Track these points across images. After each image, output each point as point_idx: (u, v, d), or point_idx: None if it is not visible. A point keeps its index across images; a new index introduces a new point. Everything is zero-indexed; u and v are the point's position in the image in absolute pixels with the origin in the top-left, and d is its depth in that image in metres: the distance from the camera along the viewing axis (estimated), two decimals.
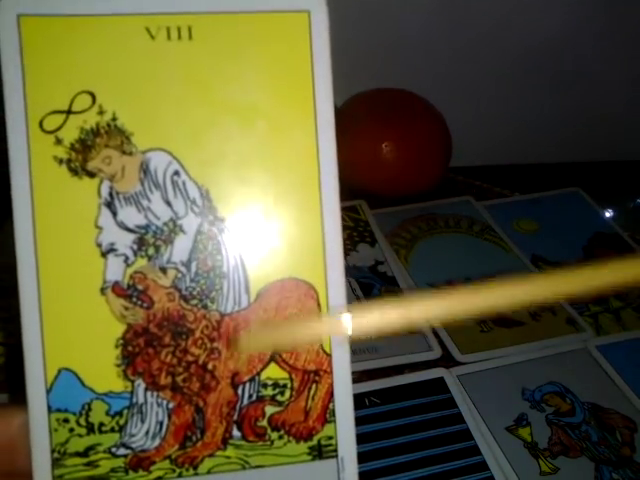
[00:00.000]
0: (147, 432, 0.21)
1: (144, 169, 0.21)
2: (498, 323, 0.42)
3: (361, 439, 0.33)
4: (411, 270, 0.46)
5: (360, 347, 0.39)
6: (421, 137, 0.52)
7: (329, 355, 0.22)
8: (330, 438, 0.22)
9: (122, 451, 0.21)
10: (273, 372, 0.22)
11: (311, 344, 0.21)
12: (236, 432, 0.21)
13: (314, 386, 0.22)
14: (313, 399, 0.22)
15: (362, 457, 0.32)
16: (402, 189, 0.54)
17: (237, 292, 0.21)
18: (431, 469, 0.32)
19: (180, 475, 0.21)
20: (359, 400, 0.35)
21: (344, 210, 0.51)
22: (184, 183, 0.21)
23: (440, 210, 0.53)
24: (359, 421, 0.34)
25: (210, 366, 0.21)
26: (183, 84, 0.21)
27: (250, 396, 0.22)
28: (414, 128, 0.52)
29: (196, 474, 0.21)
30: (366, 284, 0.44)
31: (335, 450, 0.22)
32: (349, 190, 0.55)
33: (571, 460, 0.33)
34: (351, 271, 0.46)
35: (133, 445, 0.21)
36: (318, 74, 0.21)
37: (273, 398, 0.22)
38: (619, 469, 0.33)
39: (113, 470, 0.21)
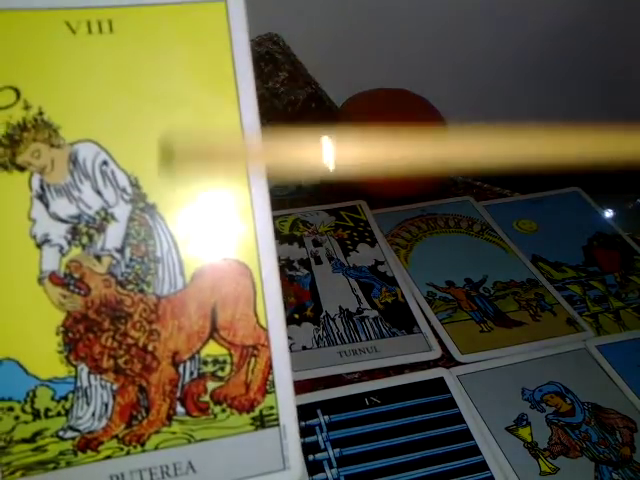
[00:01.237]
0: (93, 414, 0.22)
1: (73, 160, 0.21)
2: (498, 323, 0.42)
3: (361, 439, 0.33)
4: (411, 270, 0.46)
5: (360, 347, 0.39)
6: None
7: (265, 329, 0.22)
8: (271, 408, 0.23)
9: (70, 434, 0.21)
10: (212, 349, 0.22)
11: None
12: (180, 408, 0.22)
13: (253, 360, 0.23)
14: (253, 372, 0.23)
15: (362, 457, 0.32)
16: (402, 189, 0.54)
17: (172, 275, 0.22)
18: (431, 469, 0.32)
19: (128, 453, 0.22)
20: (359, 400, 0.35)
21: (344, 210, 0.52)
22: (113, 172, 0.21)
23: (440, 210, 0.53)
24: (359, 421, 0.34)
25: (150, 347, 0.22)
26: (106, 76, 0.21)
27: (192, 373, 0.22)
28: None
29: (144, 451, 0.22)
30: (366, 284, 0.44)
31: (277, 419, 0.23)
32: (349, 190, 0.55)
33: (571, 460, 0.33)
34: (351, 271, 0.46)
35: (80, 427, 0.21)
36: (238, 60, 0.21)
37: (214, 374, 0.22)
38: (619, 469, 0.33)
39: (61, 453, 0.21)
